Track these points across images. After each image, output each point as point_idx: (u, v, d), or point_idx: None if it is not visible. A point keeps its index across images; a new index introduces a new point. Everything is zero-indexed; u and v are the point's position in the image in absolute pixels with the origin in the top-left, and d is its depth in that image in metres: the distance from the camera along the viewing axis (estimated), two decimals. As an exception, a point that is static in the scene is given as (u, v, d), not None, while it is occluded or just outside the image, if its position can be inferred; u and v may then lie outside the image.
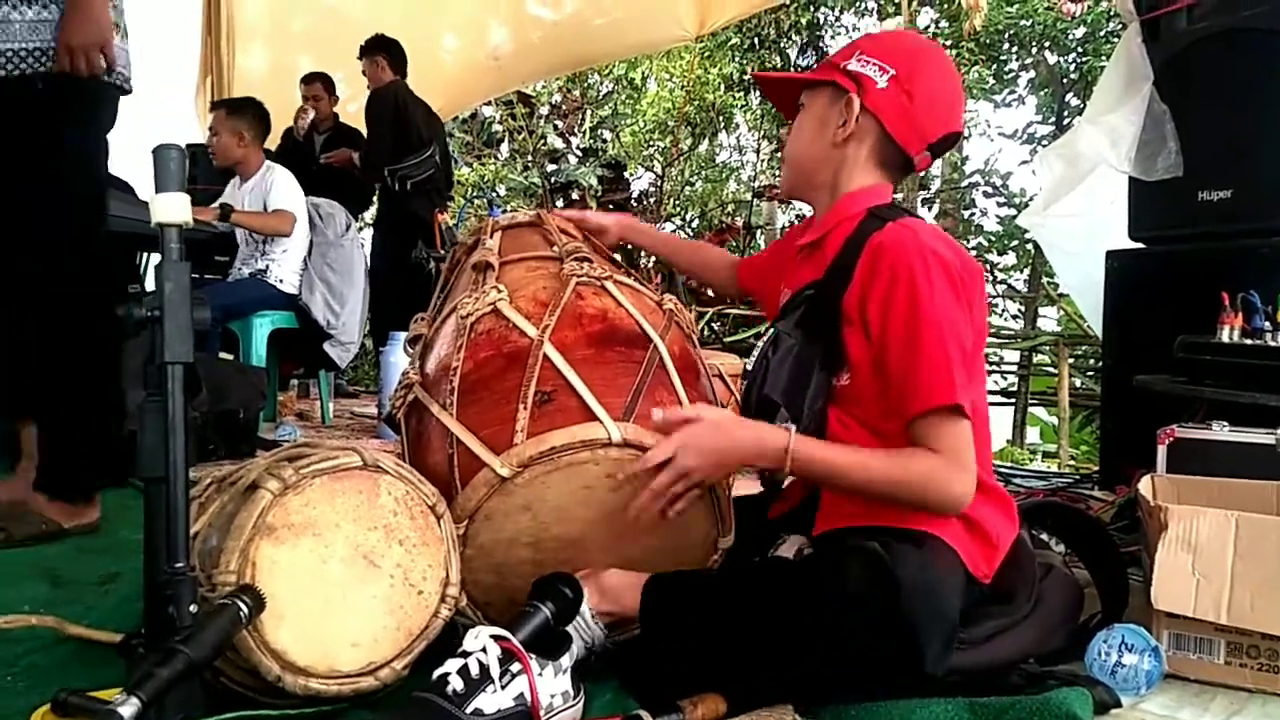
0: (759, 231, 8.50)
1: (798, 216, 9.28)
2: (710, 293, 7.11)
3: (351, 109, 6.02)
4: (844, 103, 1.55)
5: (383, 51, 5.03)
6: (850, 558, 1.32)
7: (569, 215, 1.98)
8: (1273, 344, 2.22)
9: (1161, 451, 2.21)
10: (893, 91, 1.52)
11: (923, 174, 10.49)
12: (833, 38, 11.44)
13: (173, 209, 1.18)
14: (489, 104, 9.26)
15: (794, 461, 1.39)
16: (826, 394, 1.48)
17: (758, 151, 12.68)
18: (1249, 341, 2.28)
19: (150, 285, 1.23)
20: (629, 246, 2.07)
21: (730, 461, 1.45)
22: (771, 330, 1.59)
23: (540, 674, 1.26)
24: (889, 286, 1.40)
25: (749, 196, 9.77)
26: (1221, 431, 2.17)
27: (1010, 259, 11.15)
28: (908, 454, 1.39)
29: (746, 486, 1.80)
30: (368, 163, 5.11)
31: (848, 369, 1.47)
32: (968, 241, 10.27)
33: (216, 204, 4.06)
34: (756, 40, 11.04)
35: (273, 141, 5.26)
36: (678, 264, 2.18)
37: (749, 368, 1.60)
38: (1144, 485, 1.84)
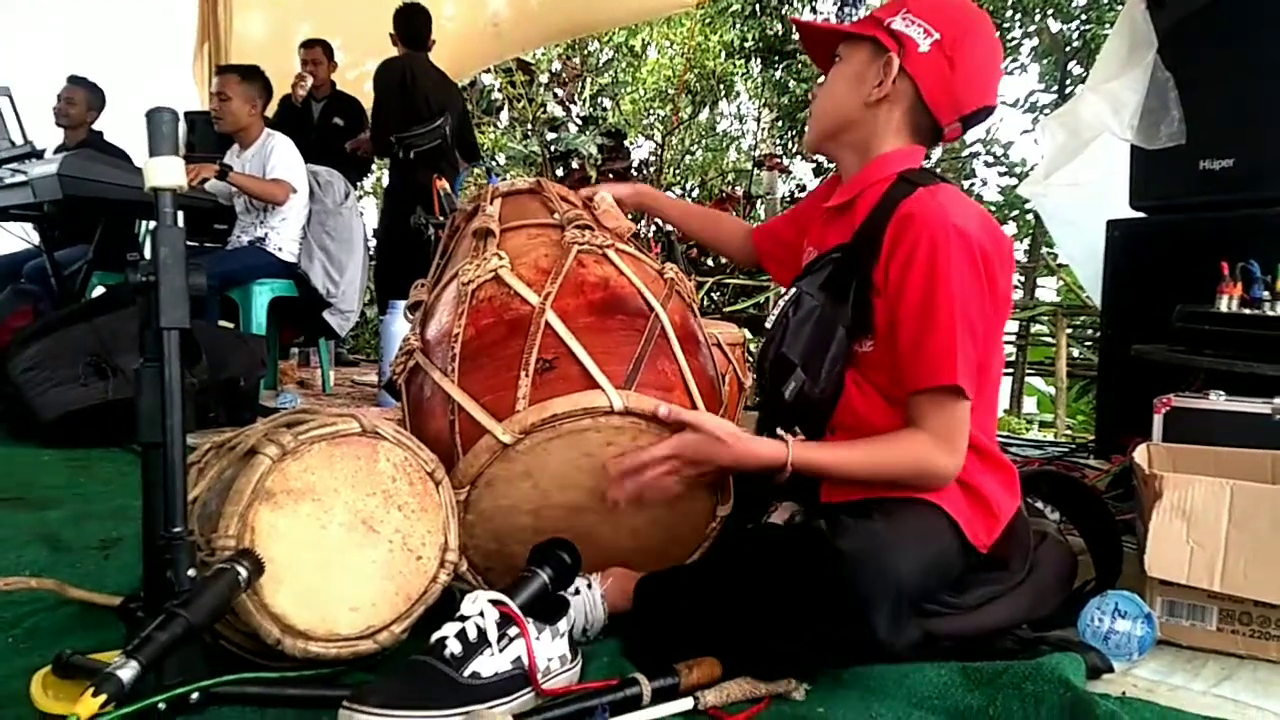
0: (759, 201, 8.46)
1: (799, 187, 9.23)
2: (711, 262, 7.09)
3: (350, 76, 5.98)
4: (883, 62, 1.50)
5: (394, 24, 4.98)
6: (797, 537, 1.35)
7: (583, 193, 1.94)
8: (1271, 314, 2.22)
9: (1158, 420, 2.21)
10: (934, 56, 1.47)
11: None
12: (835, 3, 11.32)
13: (167, 173, 1.17)
14: (488, 71, 9.18)
15: (793, 471, 1.42)
16: (846, 358, 1.48)
17: (758, 120, 12.61)
18: (1247, 311, 2.28)
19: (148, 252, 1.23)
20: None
21: (724, 472, 1.47)
22: (793, 289, 1.57)
23: (538, 638, 1.27)
24: (909, 258, 1.39)
25: (749, 165, 9.71)
26: (1218, 401, 2.17)
27: (1010, 229, 11.14)
28: (897, 441, 1.42)
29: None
30: (373, 133, 5.07)
31: (873, 337, 1.47)
32: (968, 211, 10.24)
33: (217, 163, 4.04)
34: (758, 6, 10.94)
35: (270, 109, 5.23)
36: (691, 230, 2.12)
37: (768, 325, 1.59)
38: (1140, 454, 1.85)
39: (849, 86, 1.55)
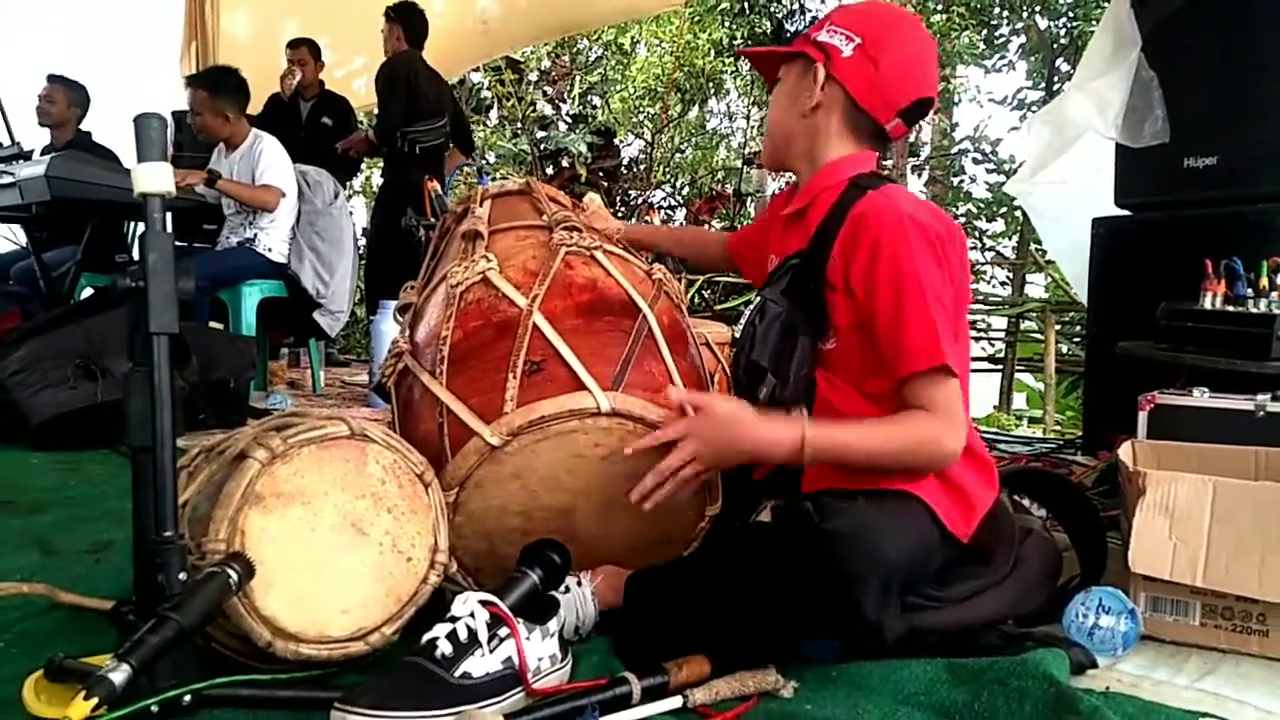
0: (749, 199, 8.46)
1: (788, 184, 9.24)
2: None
3: (339, 74, 5.96)
4: (811, 73, 1.58)
5: (400, 21, 4.97)
6: (783, 521, 1.36)
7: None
8: (1254, 311, 2.24)
9: (1142, 417, 2.23)
10: (858, 59, 1.54)
11: (912, 140, 10.45)
12: (823, 1, 11.33)
13: (155, 178, 1.18)
14: (477, 70, 9.16)
15: (811, 453, 1.40)
16: (812, 359, 1.51)
17: (748, 118, 12.57)
18: (1231, 308, 2.29)
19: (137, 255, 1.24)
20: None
21: (737, 456, 1.46)
22: (758, 297, 1.61)
23: (528, 638, 1.28)
24: (871, 255, 1.43)
25: (739, 163, 9.72)
26: (1202, 398, 2.19)
27: (999, 226, 11.13)
28: (905, 419, 1.42)
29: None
30: (380, 130, 5.05)
31: (833, 334, 1.50)
32: (956, 209, 10.25)
33: (205, 169, 4.04)
34: (746, 5, 10.94)
35: (258, 106, 5.21)
36: (680, 254, 2.21)
37: (737, 335, 1.62)
38: (1124, 451, 1.87)
39: (787, 102, 1.64)
